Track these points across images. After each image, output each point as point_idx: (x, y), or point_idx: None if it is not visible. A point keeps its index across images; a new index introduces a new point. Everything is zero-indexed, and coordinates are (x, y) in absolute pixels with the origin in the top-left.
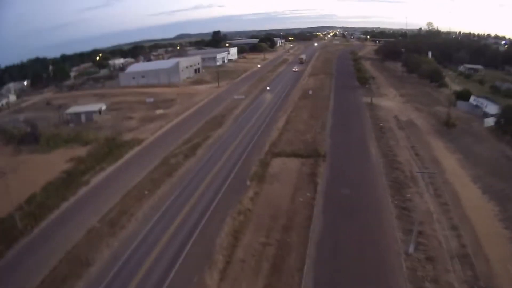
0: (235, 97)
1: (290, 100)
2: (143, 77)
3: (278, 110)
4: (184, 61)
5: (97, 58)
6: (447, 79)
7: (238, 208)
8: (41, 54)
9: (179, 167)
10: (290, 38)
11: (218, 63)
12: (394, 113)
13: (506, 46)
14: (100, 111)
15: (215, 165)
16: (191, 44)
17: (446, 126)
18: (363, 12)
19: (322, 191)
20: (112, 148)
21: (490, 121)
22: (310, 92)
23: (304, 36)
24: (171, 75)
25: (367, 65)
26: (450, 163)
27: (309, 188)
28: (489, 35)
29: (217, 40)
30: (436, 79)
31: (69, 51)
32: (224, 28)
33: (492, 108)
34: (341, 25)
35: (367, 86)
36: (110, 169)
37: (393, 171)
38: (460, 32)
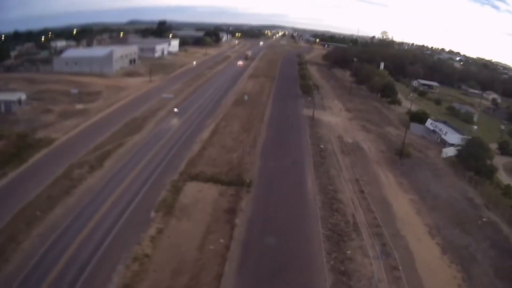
0: (164, 95)
1: (222, 105)
2: (76, 64)
3: (207, 116)
4: (118, 51)
5: (42, 38)
6: (399, 96)
7: (134, 252)
8: None
9: (80, 182)
10: (237, 34)
11: (156, 55)
12: (338, 132)
13: (462, 63)
14: (20, 101)
15: (121, 183)
16: (140, 31)
17: (399, 155)
18: (316, 15)
19: (240, 237)
20: (21, 148)
21: (449, 152)
22: (246, 98)
23: (253, 33)
24: (104, 64)
25: (313, 71)
26: (403, 206)
27: (224, 231)
28: (443, 50)
29: (162, 30)
30: (388, 94)
31: (25, 27)
32: (176, 17)
33: (452, 137)
34: (292, 26)
35: (310, 96)
36: (10, 175)
37: (332, 214)
38: (413, 44)
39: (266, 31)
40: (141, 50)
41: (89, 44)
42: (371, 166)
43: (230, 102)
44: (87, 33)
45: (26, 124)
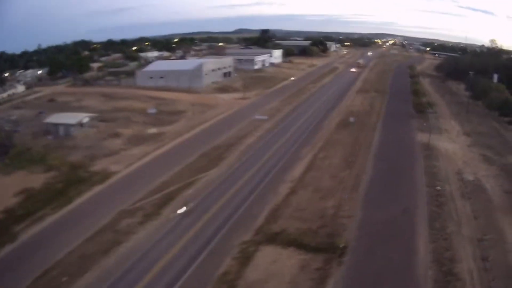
0: (256, 116)
1: (323, 129)
2: (161, 78)
3: (304, 143)
4: (209, 63)
5: (134, 48)
6: None
7: None
8: (92, 37)
9: (127, 237)
10: (345, 43)
11: (256, 67)
12: (457, 164)
13: None
14: (81, 124)
15: (175, 243)
16: (243, 40)
17: None
18: (423, 22)
19: None
20: (70, 183)
21: None
22: (352, 120)
23: (363, 42)
24: (193, 78)
25: (426, 83)
26: None
27: None
28: None
29: (264, 39)
30: (507, 112)
31: (122, 36)
32: (284, 26)
33: None
34: (401, 34)
35: (424, 116)
36: (49, 220)
37: None
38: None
39: (376, 40)
40: (239, 61)
41: (183, 56)
42: (496, 216)
43: (334, 124)
44: (185, 43)
45: (86, 152)
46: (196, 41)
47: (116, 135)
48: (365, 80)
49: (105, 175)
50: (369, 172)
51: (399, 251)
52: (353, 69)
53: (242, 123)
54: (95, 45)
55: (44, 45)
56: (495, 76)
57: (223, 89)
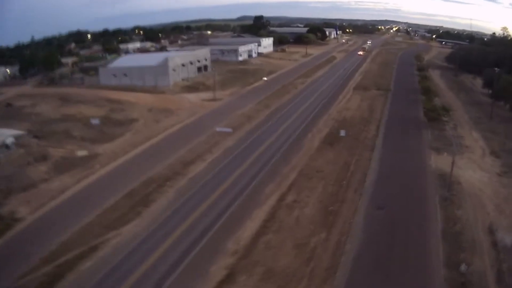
0: (218, 129)
1: (302, 149)
2: (125, 75)
3: (270, 176)
4: (178, 57)
5: (119, 38)
6: None
7: None
8: (88, 27)
9: None
10: (347, 30)
11: (241, 58)
12: (488, 212)
13: None
14: (6, 145)
15: None
16: (242, 28)
17: None
18: (426, 9)
19: None
20: None
21: None
22: (343, 133)
23: (366, 29)
24: (159, 76)
25: (436, 77)
26: None
27: None
28: None
29: (258, 26)
30: None
31: (120, 25)
32: (287, 13)
33: None
34: (405, 21)
35: (439, 125)
36: None
37: None
38: None
39: (379, 27)
40: (221, 53)
41: (164, 47)
42: None
43: (317, 141)
44: (176, 32)
45: (3, 183)
46: (188, 29)
47: (44, 158)
48: (365, 73)
49: (6, 224)
50: (358, 235)
51: None
52: (360, 52)
53: (198, 139)
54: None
55: (39, 37)
56: None
57: (193, 88)
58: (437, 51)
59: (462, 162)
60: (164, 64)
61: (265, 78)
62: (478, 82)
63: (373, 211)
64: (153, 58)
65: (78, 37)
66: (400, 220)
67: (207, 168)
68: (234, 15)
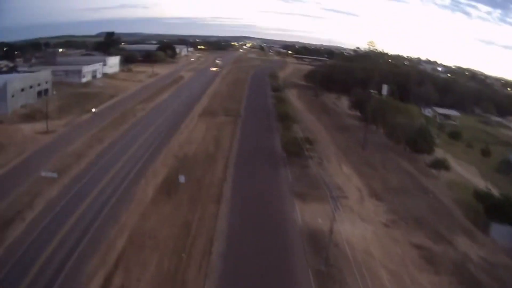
0: (43, 173)
1: (133, 201)
2: None
3: (93, 243)
4: (18, 81)
5: None
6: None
7: None
8: None
9: None
10: (199, 47)
11: (84, 80)
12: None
13: (448, 75)
14: None
15: None
16: (97, 45)
17: None
18: (283, 25)
19: None
20: None
21: None
22: (182, 179)
23: (219, 45)
24: None
25: (294, 97)
26: None
27: None
28: (419, 59)
29: (107, 43)
30: (421, 147)
31: None
32: (144, 30)
33: None
34: (260, 37)
35: (301, 158)
36: None
37: None
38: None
39: (233, 43)
40: (66, 74)
41: (14, 66)
42: None
43: (152, 189)
44: (35, 49)
45: None
46: (47, 46)
47: None
48: (213, 94)
49: None
50: None
51: None
52: (213, 68)
53: (20, 188)
54: None
55: None
56: (385, 87)
57: (30, 116)
58: (293, 68)
59: (338, 212)
60: (3, 89)
61: (93, 110)
62: (343, 102)
63: None
64: None
65: None
66: None
67: (25, 233)
68: (94, 31)
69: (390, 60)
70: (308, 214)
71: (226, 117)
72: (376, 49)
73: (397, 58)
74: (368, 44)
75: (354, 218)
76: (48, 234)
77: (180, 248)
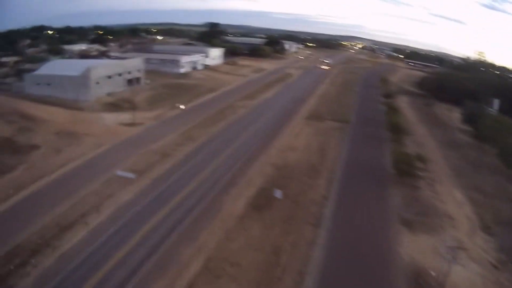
0: (119, 173)
1: (219, 216)
2: (48, 84)
3: (161, 265)
4: (103, 67)
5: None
6: None
7: None
8: (53, 23)
9: None
10: (309, 44)
11: (182, 70)
12: None
13: None
14: None
15: None
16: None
17: None
18: (392, 27)
19: None
20: None
21: None
22: (278, 195)
23: (330, 43)
24: (80, 88)
25: (406, 106)
26: None
27: None
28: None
29: (211, 34)
30: None
31: (82, 23)
32: (252, 23)
33: None
34: (368, 38)
35: (412, 179)
36: None
37: None
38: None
39: (344, 42)
40: (162, 62)
41: (106, 51)
42: None
43: (243, 202)
44: (133, 35)
45: None
46: (147, 32)
47: None
48: (321, 96)
49: None
50: None
51: None
52: (323, 66)
53: (91, 187)
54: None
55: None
56: (496, 102)
57: (116, 106)
58: (404, 73)
59: (452, 264)
60: (86, 75)
61: (182, 106)
62: (455, 115)
63: None
64: (80, 66)
65: (40, 32)
66: None
67: (84, 241)
68: (200, 21)
69: (497, 72)
70: (415, 249)
71: (333, 123)
72: (486, 60)
73: (504, 70)
74: (478, 54)
75: (462, 256)
76: (109, 247)
77: (264, 283)
